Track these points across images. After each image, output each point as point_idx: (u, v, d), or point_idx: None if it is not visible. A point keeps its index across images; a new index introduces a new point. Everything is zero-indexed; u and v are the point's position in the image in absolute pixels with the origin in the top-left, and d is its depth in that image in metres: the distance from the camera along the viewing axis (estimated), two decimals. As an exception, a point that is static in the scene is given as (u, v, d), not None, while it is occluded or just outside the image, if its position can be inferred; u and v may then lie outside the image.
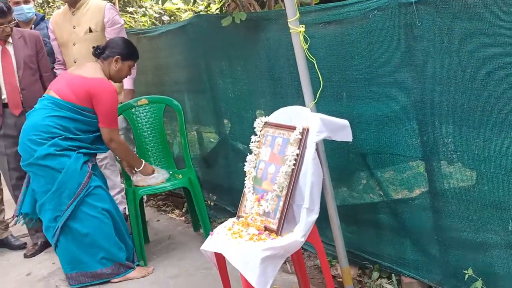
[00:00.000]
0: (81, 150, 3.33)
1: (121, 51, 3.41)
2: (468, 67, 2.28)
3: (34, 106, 3.58)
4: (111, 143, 3.37)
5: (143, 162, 3.67)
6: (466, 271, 2.50)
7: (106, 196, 3.45)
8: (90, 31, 4.08)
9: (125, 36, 4.22)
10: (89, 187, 3.31)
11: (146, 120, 4.10)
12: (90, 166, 3.38)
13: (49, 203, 3.30)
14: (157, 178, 3.79)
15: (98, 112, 3.31)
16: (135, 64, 4.22)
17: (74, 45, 4.12)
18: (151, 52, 4.82)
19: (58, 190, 3.26)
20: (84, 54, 4.08)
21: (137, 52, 3.49)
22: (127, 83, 4.18)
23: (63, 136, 3.26)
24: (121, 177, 4.66)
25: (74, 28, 4.10)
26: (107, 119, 3.31)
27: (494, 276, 2.46)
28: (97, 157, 4.39)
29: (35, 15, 4.56)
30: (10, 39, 3.90)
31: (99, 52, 3.42)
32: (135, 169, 3.64)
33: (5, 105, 3.92)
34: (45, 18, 4.66)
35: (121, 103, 4.15)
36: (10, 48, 3.91)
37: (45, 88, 4.00)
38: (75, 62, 4.12)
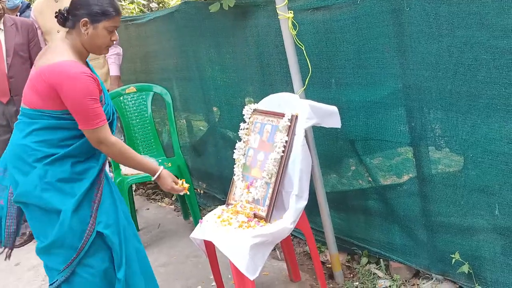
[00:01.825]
0: (78, 168, 2.33)
1: (87, 10, 2.25)
2: (456, 52, 2.29)
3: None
4: (100, 146, 2.27)
5: (160, 169, 2.48)
6: (453, 255, 2.53)
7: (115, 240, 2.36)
8: None
9: None
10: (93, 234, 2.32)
11: (134, 108, 4.08)
12: (97, 197, 2.35)
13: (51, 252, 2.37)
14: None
15: (71, 111, 2.21)
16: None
17: (58, 32, 4.06)
18: (139, 40, 4.78)
19: (56, 242, 2.32)
20: None
21: (115, 4, 2.31)
22: (113, 69, 4.14)
23: (52, 158, 2.25)
24: (109, 166, 4.64)
25: None
26: (82, 116, 2.19)
27: (480, 260, 2.49)
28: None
29: (21, 2, 4.51)
30: (1, 26, 3.85)
31: (62, 19, 2.33)
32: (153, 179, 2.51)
33: None
34: (31, 6, 4.61)
35: (108, 90, 4.12)
36: (0, 35, 3.87)
37: None
38: (59, 50, 4.06)
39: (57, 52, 2.25)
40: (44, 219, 2.31)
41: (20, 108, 2.34)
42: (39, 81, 2.20)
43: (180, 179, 2.56)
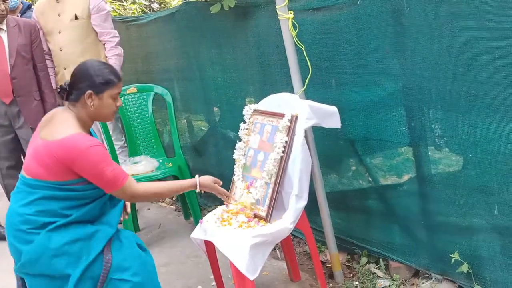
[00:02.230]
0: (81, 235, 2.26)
1: (90, 82, 2.24)
2: (456, 52, 2.29)
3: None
4: (134, 199, 2.34)
5: (196, 179, 2.48)
6: (452, 255, 2.53)
7: None
8: (76, 18, 4.04)
9: (111, 23, 4.18)
10: None
11: (135, 108, 4.09)
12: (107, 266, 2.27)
13: None
14: (146, 166, 3.79)
15: (92, 181, 2.21)
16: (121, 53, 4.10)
17: (59, 33, 4.08)
18: (140, 40, 4.79)
19: None
20: (71, 41, 4.05)
21: (115, 71, 2.32)
22: None
23: (55, 225, 2.20)
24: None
25: (59, 16, 4.06)
26: (105, 182, 2.20)
27: (479, 259, 2.49)
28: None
29: (21, 3, 4.52)
30: (4, 27, 3.86)
31: (66, 94, 2.31)
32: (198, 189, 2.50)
33: None
34: (32, 7, 4.61)
35: None
36: (3, 36, 3.87)
37: (38, 78, 3.98)
38: (61, 50, 4.08)
39: (64, 125, 2.21)
40: (50, 286, 2.25)
41: (20, 176, 2.28)
42: (48, 155, 2.17)
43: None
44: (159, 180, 4.76)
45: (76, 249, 2.22)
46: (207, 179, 2.50)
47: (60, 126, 2.21)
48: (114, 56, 4.14)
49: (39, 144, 2.21)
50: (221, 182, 2.55)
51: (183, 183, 2.47)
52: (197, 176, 2.48)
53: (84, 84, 2.25)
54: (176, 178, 3.98)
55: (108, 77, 2.26)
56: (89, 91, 2.23)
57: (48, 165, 2.17)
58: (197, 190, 2.47)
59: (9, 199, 4.15)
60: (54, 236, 2.19)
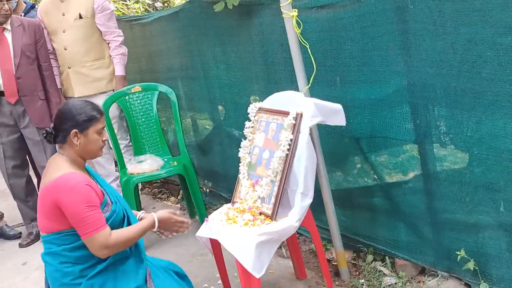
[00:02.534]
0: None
1: (73, 122, 2.24)
2: (460, 49, 2.29)
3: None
4: (105, 251, 2.18)
5: (152, 219, 2.38)
6: (458, 252, 2.53)
7: None
8: (80, 17, 4.05)
9: (115, 23, 4.19)
10: None
11: (140, 107, 4.10)
12: None
13: None
14: (151, 165, 3.80)
15: (72, 223, 2.16)
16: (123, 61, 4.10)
17: (64, 32, 4.09)
18: (144, 39, 4.80)
19: None
20: (75, 40, 4.07)
21: (97, 107, 2.33)
22: (118, 69, 4.16)
23: (92, 273, 2.23)
24: (115, 165, 4.67)
25: (64, 15, 4.07)
26: (81, 225, 2.13)
27: (486, 256, 2.49)
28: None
29: (25, 2, 4.52)
30: (8, 26, 3.87)
31: (51, 138, 2.30)
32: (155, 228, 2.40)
33: (1, 93, 3.90)
34: (35, 6, 4.62)
35: (113, 90, 4.14)
36: (8, 36, 3.88)
37: (42, 78, 3.99)
38: (65, 50, 4.10)
39: (56, 168, 2.23)
40: None
41: (43, 237, 2.27)
42: (45, 200, 2.18)
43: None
44: (165, 178, 4.79)
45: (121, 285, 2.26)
46: (163, 213, 2.41)
47: (52, 171, 2.22)
48: (118, 55, 4.15)
49: (40, 194, 2.23)
50: (177, 213, 2.45)
51: (144, 225, 2.33)
52: (153, 214, 2.39)
53: (68, 124, 2.25)
54: (181, 176, 3.99)
55: (90, 114, 2.27)
56: (74, 130, 2.24)
57: (48, 213, 2.18)
58: (155, 229, 2.38)
59: (15, 199, 4.20)
60: (96, 283, 2.22)
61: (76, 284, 2.22)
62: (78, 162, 2.29)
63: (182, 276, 2.54)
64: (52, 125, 2.30)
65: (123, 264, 2.31)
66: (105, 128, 2.37)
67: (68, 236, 2.21)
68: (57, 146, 2.33)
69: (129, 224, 2.33)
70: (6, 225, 4.41)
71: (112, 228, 2.22)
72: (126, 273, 2.29)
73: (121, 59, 4.16)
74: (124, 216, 2.33)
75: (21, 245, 4.17)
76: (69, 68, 4.14)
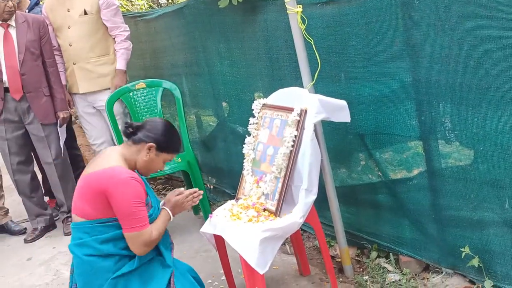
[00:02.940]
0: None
1: (158, 138, 2.36)
2: (466, 45, 2.28)
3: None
4: (145, 247, 2.27)
5: (166, 212, 2.44)
6: (463, 249, 2.52)
7: None
8: (85, 13, 4.05)
9: (121, 18, 4.19)
10: None
11: (144, 104, 4.10)
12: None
13: None
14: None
15: (117, 215, 2.23)
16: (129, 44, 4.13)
17: (69, 28, 4.09)
18: (148, 36, 4.80)
19: None
20: (80, 36, 4.07)
21: (179, 143, 2.50)
22: (120, 63, 4.14)
23: (118, 273, 2.28)
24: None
25: (69, 11, 4.07)
26: (129, 220, 2.21)
27: (490, 253, 2.48)
28: (95, 142, 4.41)
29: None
30: (13, 23, 3.88)
31: (130, 132, 2.39)
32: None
33: (6, 90, 3.91)
34: (40, 3, 4.62)
35: (116, 87, 4.13)
36: (12, 32, 3.89)
37: (47, 74, 4.00)
38: (70, 46, 4.10)
39: (107, 159, 2.31)
40: None
41: (72, 225, 2.32)
42: (88, 187, 2.24)
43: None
44: (169, 175, 4.79)
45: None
46: (171, 201, 2.47)
47: (103, 160, 2.31)
48: (122, 50, 4.15)
49: (86, 178, 2.28)
50: (181, 189, 2.54)
51: (165, 219, 2.41)
52: (164, 208, 2.45)
53: (154, 136, 2.37)
54: (185, 173, 4.00)
55: (174, 145, 2.45)
56: (153, 145, 2.35)
57: (91, 199, 2.24)
58: (172, 218, 2.46)
59: (20, 194, 4.21)
60: (119, 284, 2.27)
61: (103, 278, 2.26)
62: (130, 165, 2.36)
63: (199, 282, 2.57)
64: (138, 124, 2.41)
65: (147, 269, 2.34)
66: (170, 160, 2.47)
67: (103, 226, 2.26)
68: (125, 141, 2.43)
69: None
70: (11, 220, 4.43)
71: None
72: (150, 278, 2.33)
73: (124, 53, 4.16)
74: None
75: (26, 241, 4.18)
76: (74, 64, 4.15)
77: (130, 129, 2.38)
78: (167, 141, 2.40)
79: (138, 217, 2.22)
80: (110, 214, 2.25)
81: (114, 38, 4.16)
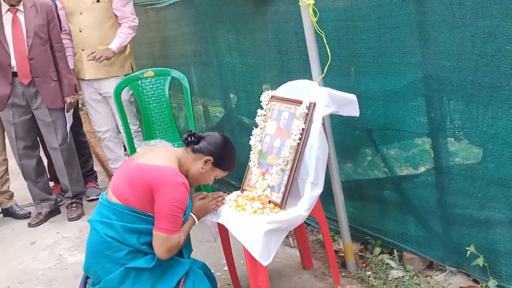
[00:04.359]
0: None
1: (217, 153, 2.44)
2: (479, 42, 2.25)
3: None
4: (169, 254, 2.29)
5: (191, 217, 2.50)
6: (468, 248, 2.51)
7: None
8: (98, 1, 4.05)
9: (132, 9, 4.19)
10: None
11: (152, 92, 4.09)
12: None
13: None
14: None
15: (155, 210, 2.26)
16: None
17: (81, 14, 4.10)
18: (158, 24, 4.79)
19: None
20: (91, 23, 4.07)
21: (235, 161, 2.57)
22: (114, 43, 4.08)
23: (135, 266, 2.31)
24: (125, 149, 4.68)
25: None
26: (165, 221, 2.24)
27: (496, 253, 2.47)
28: (100, 129, 4.41)
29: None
30: (21, 7, 3.88)
31: (191, 141, 2.45)
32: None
33: (15, 74, 3.91)
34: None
35: (95, 56, 4.04)
36: (21, 17, 3.89)
37: (55, 59, 3.99)
38: (80, 32, 4.11)
39: (164, 157, 2.34)
40: None
41: (104, 200, 2.34)
42: (139, 179, 2.27)
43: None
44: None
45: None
46: (196, 206, 2.53)
47: (159, 156, 2.34)
48: (122, 33, 4.12)
49: (136, 166, 2.31)
50: (204, 193, 2.60)
51: (190, 225, 2.46)
52: (190, 215, 2.49)
53: (214, 151, 2.45)
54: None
55: (229, 164, 2.55)
56: (211, 158, 2.43)
57: (139, 190, 2.27)
58: (197, 223, 2.53)
59: (25, 179, 4.22)
60: (131, 275, 2.29)
61: (117, 263, 2.28)
62: (183, 171, 2.39)
63: (210, 278, 2.60)
64: (202, 134, 2.49)
65: (162, 267, 2.35)
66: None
67: (136, 217, 2.29)
68: (186, 146, 2.47)
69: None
70: (16, 204, 4.45)
71: None
72: (162, 275, 2.34)
73: (122, 37, 4.12)
74: None
75: (30, 225, 4.20)
76: (83, 50, 4.16)
77: (192, 138, 2.45)
78: (225, 158, 2.49)
79: (174, 221, 2.26)
80: (149, 209, 2.28)
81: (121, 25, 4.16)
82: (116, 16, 4.13)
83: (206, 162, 2.42)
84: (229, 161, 2.53)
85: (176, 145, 3.96)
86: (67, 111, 4.08)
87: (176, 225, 2.27)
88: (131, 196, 2.28)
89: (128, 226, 2.28)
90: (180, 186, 2.25)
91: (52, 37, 3.98)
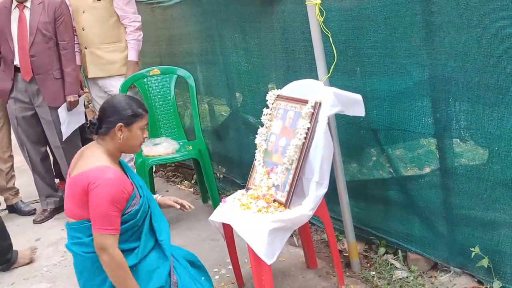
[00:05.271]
0: None
1: (120, 116, 2.29)
2: (486, 43, 2.25)
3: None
4: (102, 253, 2.19)
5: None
6: (473, 249, 2.51)
7: None
8: None
9: (134, 7, 4.19)
10: None
11: (157, 90, 4.11)
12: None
13: None
14: (166, 148, 3.81)
15: (90, 212, 2.19)
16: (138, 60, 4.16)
17: (83, 12, 4.12)
18: (164, 23, 4.79)
19: None
20: (92, 22, 4.09)
21: (142, 104, 2.38)
22: (131, 55, 4.16)
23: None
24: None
25: None
26: (99, 220, 2.17)
27: (501, 254, 2.47)
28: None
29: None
30: (28, 4, 3.89)
31: (95, 128, 2.32)
32: None
33: (18, 69, 3.93)
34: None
35: (125, 76, 4.13)
36: (27, 13, 3.90)
37: (60, 57, 4.00)
38: (83, 30, 4.12)
39: (91, 159, 2.26)
40: None
41: (67, 225, 2.31)
42: (76, 188, 2.20)
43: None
44: (179, 162, 4.80)
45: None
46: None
47: (88, 160, 2.26)
48: (132, 41, 4.17)
49: (70, 182, 2.25)
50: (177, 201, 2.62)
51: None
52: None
53: (115, 117, 2.28)
54: (196, 161, 4.00)
55: (137, 110, 2.32)
56: (120, 124, 2.28)
57: (79, 200, 2.21)
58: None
59: (33, 172, 4.23)
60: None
61: (104, 274, 2.23)
62: (114, 155, 2.33)
63: (199, 266, 2.59)
64: (96, 116, 2.34)
65: (146, 264, 2.33)
66: (147, 126, 2.41)
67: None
68: (95, 137, 2.36)
69: (150, 221, 2.36)
70: (21, 201, 4.46)
71: (136, 222, 2.28)
72: (152, 269, 2.32)
73: (135, 44, 4.17)
74: (146, 212, 2.35)
75: (35, 222, 4.21)
76: (86, 48, 4.18)
77: (93, 126, 2.32)
78: (131, 111, 2.30)
79: (109, 220, 2.17)
80: None
81: (125, 28, 4.17)
82: (118, 15, 4.14)
83: (119, 131, 2.28)
84: (131, 112, 2.30)
85: (181, 143, 3.98)
86: (69, 110, 4.04)
87: (110, 223, 2.17)
88: (79, 210, 2.22)
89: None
90: (109, 183, 2.16)
91: (59, 35, 3.97)
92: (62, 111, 4.02)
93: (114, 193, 2.17)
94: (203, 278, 2.54)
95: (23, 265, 3.49)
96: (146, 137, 2.40)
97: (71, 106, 4.05)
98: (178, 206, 2.62)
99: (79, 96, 4.09)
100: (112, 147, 2.31)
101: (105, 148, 2.31)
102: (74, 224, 2.26)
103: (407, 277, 2.85)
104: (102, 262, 2.21)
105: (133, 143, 2.34)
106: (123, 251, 2.24)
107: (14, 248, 3.53)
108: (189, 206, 2.61)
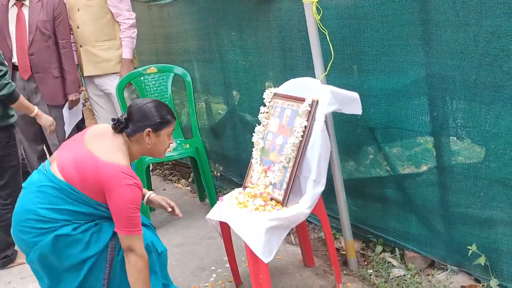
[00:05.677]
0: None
1: (150, 122, 2.32)
2: (482, 41, 2.25)
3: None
4: (130, 254, 2.24)
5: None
6: (470, 247, 2.51)
7: None
8: None
9: (127, 5, 4.18)
10: None
11: (154, 88, 4.10)
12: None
13: None
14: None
15: (112, 212, 2.25)
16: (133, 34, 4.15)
17: (78, 10, 4.11)
18: (161, 21, 4.78)
19: None
20: (87, 20, 4.08)
21: (171, 110, 2.41)
22: (126, 52, 4.16)
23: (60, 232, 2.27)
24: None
25: None
26: (123, 222, 2.22)
27: (497, 252, 2.47)
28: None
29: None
30: (27, 2, 3.88)
31: (121, 127, 2.33)
32: None
33: (16, 68, 3.92)
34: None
35: (120, 75, 4.12)
36: (25, 11, 3.89)
37: (59, 55, 3.99)
38: (78, 28, 4.11)
39: (118, 150, 2.28)
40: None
41: (47, 172, 2.29)
42: (90, 171, 2.21)
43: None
44: (176, 160, 4.80)
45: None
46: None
47: (115, 149, 2.28)
48: (126, 38, 4.16)
49: (87, 154, 2.24)
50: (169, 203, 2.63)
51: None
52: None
53: (144, 123, 2.32)
54: (193, 159, 4.00)
55: (166, 117, 2.36)
56: (148, 129, 2.32)
57: (87, 180, 2.22)
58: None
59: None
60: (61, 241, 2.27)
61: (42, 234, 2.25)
62: (133, 156, 2.37)
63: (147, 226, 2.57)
64: (125, 116, 2.36)
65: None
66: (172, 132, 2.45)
67: (88, 201, 2.25)
68: (122, 134, 2.35)
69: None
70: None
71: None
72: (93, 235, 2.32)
73: (129, 42, 4.16)
74: None
75: None
76: (81, 46, 4.17)
77: (119, 125, 2.33)
78: (159, 118, 2.33)
79: (134, 222, 2.23)
80: (92, 195, 2.25)
81: (119, 25, 4.16)
82: (112, 12, 4.14)
83: (148, 136, 2.32)
84: (164, 116, 2.36)
85: (178, 141, 3.98)
86: (70, 108, 4.07)
87: (135, 225, 2.24)
88: (77, 181, 2.23)
89: (73, 204, 2.26)
90: (132, 187, 2.21)
91: (58, 33, 3.97)
92: (65, 111, 4.06)
93: (136, 197, 2.23)
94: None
95: (20, 264, 3.48)
96: (172, 143, 2.45)
97: (73, 104, 4.07)
98: (170, 209, 2.62)
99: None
100: (136, 149, 2.36)
101: (129, 147, 2.34)
102: (61, 182, 2.23)
103: (404, 275, 2.86)
104: (128, 263, 2.26)
105: (160, 149, 2.41)
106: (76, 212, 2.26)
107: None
108: (179, 213, 2.62)
